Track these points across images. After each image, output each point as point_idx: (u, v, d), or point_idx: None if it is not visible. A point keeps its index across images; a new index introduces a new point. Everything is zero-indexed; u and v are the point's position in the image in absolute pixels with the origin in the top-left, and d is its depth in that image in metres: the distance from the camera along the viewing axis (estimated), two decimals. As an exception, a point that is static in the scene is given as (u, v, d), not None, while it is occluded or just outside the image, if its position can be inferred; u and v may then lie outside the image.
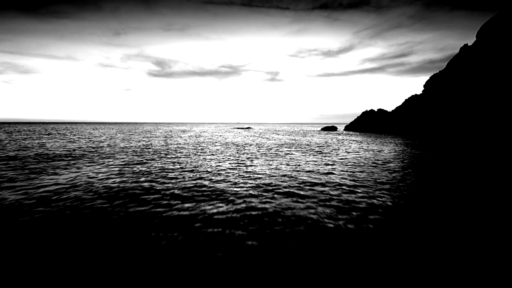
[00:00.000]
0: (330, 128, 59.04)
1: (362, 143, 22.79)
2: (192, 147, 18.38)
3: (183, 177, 8.65)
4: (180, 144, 21.18)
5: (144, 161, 12.13)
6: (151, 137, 30.64)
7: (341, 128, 77.32)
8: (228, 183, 8.05)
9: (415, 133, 46.31)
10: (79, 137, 28.71)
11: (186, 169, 10.10)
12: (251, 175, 9.18)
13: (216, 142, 23.23)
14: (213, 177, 8.81)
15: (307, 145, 20.93)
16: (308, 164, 11.59)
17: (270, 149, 17.86)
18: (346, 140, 26.51)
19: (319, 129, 70.69)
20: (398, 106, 61.42)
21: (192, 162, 11.99)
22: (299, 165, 11.30)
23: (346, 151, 16.48)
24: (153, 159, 12.62)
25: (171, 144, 20.55)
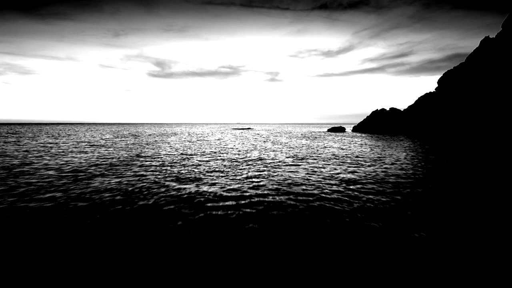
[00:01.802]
0: (338, 129, 53.83)
1: (399, 151, 17.51)
2: (169, 160, 13.07)
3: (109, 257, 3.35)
4: (157, 153, 15.88)
5: (67, 194, 6.80)
6: (129, 141, 25.29)
7: (345, 128, 71.78)
8: (215, 272, 2.76)
9: (432, 134, 41.01)
10: (34, 143, 23.33)
11: (127, 220, 4.78)
12: (263, 235, 3.89)
13: (206, 150, 17.90)
14: (182, 231, 3.52)
15: (335, 156, 15.62)
16: (365, 204, 6.29)
17: (283, 163, 12.54)
18: (372, 145, 21.22)
19: (325, 130, 65.27)
20: (411, 105, 56.56)
21: (151, 196, 6.65)
22: (356, 209, 6.00)
23: (400, 169, 11.16)
24: (87, 188, 7.29)
25: (143, 155, 15.25)
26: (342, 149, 17.99)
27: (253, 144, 21.82)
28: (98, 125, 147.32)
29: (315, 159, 13.09)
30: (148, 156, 14.04)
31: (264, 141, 25.33)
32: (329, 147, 19.54)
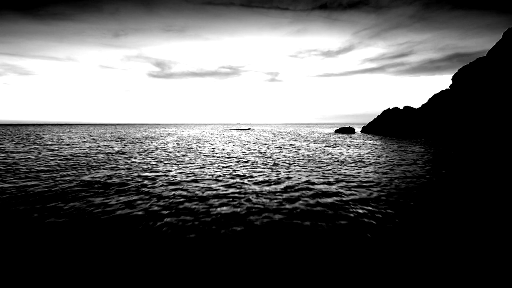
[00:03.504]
0: (347, 130, 48.61)
1: (457, 162, 12.10)
2: (109, 199, 7.49)
3: None
4: (108, 175, 10.30)
5: None
6: (96, 149, 19.59)
7: (354, 128, 66.13)
8: None
9: (456, 136, 35.88)
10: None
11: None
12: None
13: (187, 168, 12.30)
14: None
15: (403, 181, 10.18)
16: None
17: (347, 204, 6.99)
18: (412, 153, 15.79)
19: (328, 130, 59.81)
20: (425, 104, 51.87)
21: None
22: None
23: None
24: None
25: (85, 179, 9.67)
26: (392, 164, 12.56)
27: (259, 152, 16.27)
28: (97, 125, 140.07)
29: (387, 185, 7.58)
30: (92, 183, 8.40)
31: (269, 146, 19.76)
32: (370, 159, 14.07)
